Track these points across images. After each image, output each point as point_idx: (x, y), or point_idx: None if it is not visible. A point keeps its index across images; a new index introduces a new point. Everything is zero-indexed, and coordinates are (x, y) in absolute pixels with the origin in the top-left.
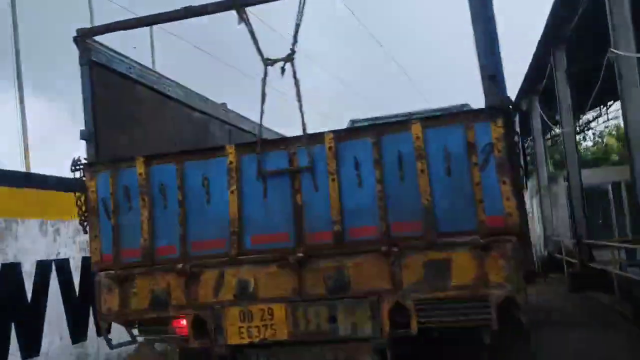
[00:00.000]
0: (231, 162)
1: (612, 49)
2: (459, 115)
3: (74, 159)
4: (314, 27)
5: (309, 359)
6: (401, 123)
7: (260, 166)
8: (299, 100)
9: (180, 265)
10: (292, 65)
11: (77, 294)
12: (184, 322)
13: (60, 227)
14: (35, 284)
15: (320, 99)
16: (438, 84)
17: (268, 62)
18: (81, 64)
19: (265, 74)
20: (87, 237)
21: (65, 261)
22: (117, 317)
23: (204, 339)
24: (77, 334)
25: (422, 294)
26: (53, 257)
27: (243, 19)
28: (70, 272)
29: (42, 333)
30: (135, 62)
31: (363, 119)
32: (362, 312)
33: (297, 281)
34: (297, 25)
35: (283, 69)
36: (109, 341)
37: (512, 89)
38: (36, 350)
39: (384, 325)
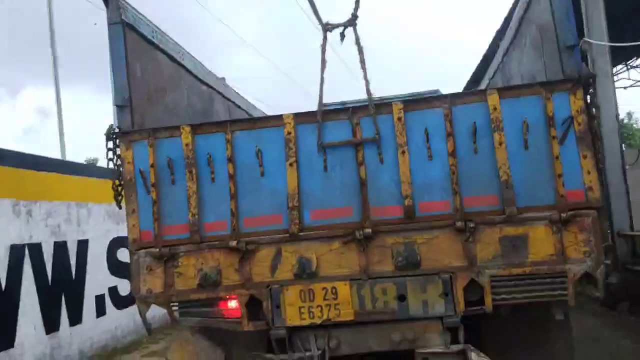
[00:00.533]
0: (289, 133)
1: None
2: (537, 86)
3: (108, 126)
4: (255, 13)
5: (374, 339)
6: (476, 93)
7: (321, 137)
8: (363, 67)
9: (234, 242)
10: (355, 30)
11: (49, 281)
12: (233, 303)
13: (33, 209)
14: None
15: (255, 84)
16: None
17: (328, 27)
18: (111, 23)
19: (325, 39)
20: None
21: (38, 246)
22: (158, 298)
23: (259, 321)
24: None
25: (498, 270)
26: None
27: None
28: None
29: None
30: (156, 26)
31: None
32: (433, 290)
33: (363, 258)
34: None
35: (343, 35)
36: (148, 325)
37: None
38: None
39: (457, 303)
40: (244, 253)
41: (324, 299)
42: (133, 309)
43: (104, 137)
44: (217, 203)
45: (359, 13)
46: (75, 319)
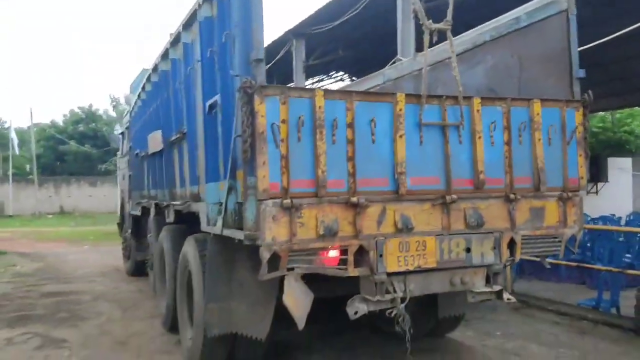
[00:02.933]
0: (400, 109)
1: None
2: (561, 101)
3: (244, 80)
4: None
5: (436, 283)
6: (525, 99)
7: (422, 116)
8: (454, 65)
9: (355, 198)
10: (449, 33)
11: None
12: (333, 253)
13: None
14: None
15: None
16: None
17: (430, 29)
18: None
19: (428, 38)
20: None
21: None
22: (281, 246)
23: (362, 267)
24: None
25: (527, 231)
26: None
27: None
28: None
29: None
30: None
31: None
32: (488, 244)
33: (445, 218)
34: None
35: (433, 36)
36: (268, 271)
37: None
38: None
39: (502, 255)
40: (357, 208)
41: (416, 250)
42: None
43: (239, 90)
44: (336, 163)
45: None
46: None
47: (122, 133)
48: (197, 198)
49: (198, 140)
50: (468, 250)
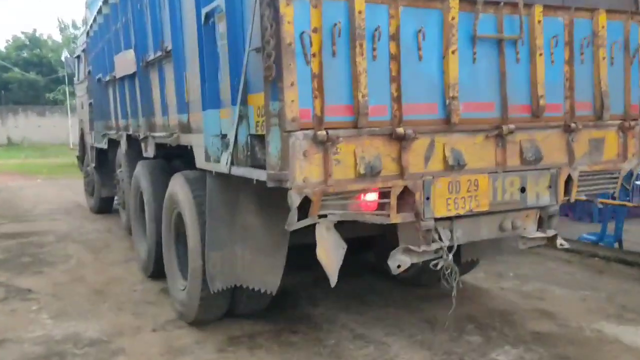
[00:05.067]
0: (453, 18)
1: None
2: (624, 12)
3: None
4: None
5: (485, 228)
6: (588, 10)
7: (476, 27)
8: None
9: (401, 129)
10: None
11: None
12: (371, 196)
13: None
14: None
15: None
16: None
17: None
18: None
19: None
20: None
21: None
22: (314, 188)
23: (407, 213)
24: None
25: (584, 167)
26: None
27: None
28: None
29: None
30: None
31: None
32: (543, 183)
33: (499, 152)
34: None
35: None
36: (297, 219)
37: None
38: None
39: (559, 194)
40: (403, 142)
41: (467, 191)
42: None
43: None
44: (377, 85)
45: None
46: None
47: (78, 56)
48: (186, 129)
49: (188, 58)
50: (522, 190)
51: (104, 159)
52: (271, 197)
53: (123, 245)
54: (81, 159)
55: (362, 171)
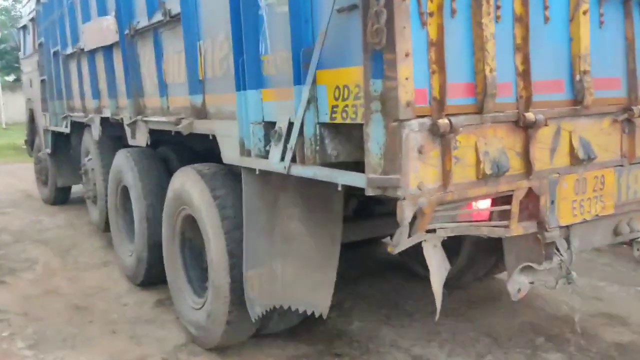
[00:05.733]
0: None
1: None
2: None
3: None
4: None
5: (599, 234)
6: None
7: None
8: None
9: (531, 114)
10: None
11: None
12: (484, 203)
13: None
14: None
15: None
16: None
17: None
18: None
19: None
20: None
21: None
22: (430, 196)
23: (529, 222)
24: None
25: None
26: None
27: None
28: None
29: None
30: None
31: None
32: None
33: (627, 140)
34: None
35: None
36: (407, 242)
37: None
38: None
39: None
40: (529, 130)
41: (593, 191)
42: None
43: None
44: (499, 56)
45: None
46: None
47: (25, 27)
48: (201, 113)
49: (205, 24)
50: None
51: (62, 144)
52: (319, 198)
53: (94, 244)
54: (30, 143)
55: (487, 171)
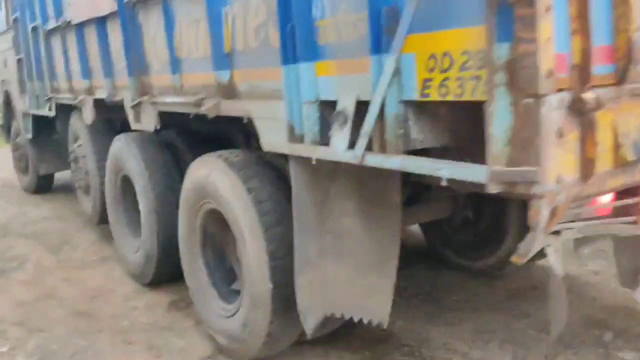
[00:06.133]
0: None
1: None
2: None
3: None
4: None
5: None
6: None
7: None
8: None
9: None
10: None
11: None
12: (607, 197)
13: None
14: None
15: None
16: None
17: None
18: None
19: None
20: None
21: None
22: (569, 192)
23: None
24: None
25: None
26: None
27: None
28: None
29: None
30: None
31: None
32: None
33: None
34: None
35: None
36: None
37: None
38: None
39: None
40: None
41: None
42: None
43: None
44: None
45: None
46: None
47: None
48: (228, 92)
49: None
50: None
51: (44, 129)
52: (375, 189)
53: (87, 238)
54: (6, 128)
55: (628, 157)
